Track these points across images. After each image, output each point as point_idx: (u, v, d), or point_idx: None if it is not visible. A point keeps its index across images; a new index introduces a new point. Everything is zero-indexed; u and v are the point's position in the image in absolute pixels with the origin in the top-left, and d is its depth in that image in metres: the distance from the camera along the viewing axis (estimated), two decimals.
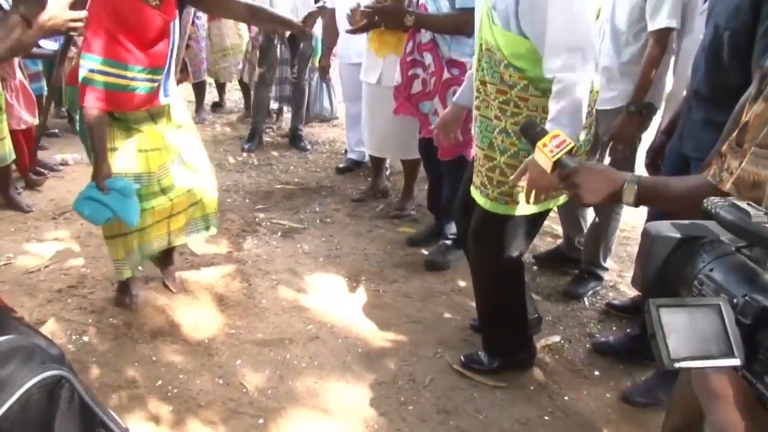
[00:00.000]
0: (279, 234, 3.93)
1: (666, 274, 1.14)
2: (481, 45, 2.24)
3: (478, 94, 2.33)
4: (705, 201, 1.07)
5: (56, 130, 5.62)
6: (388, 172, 4.83)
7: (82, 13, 1.96)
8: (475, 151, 2.44)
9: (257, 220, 4.12)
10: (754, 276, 0.94)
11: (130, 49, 2.54)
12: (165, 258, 3.26)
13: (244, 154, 5.44)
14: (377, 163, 4.56)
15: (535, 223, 2.46)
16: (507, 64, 2.16)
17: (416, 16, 3.25)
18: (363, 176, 4.99)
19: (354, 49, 4.39)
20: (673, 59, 3.10)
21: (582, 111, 2.04)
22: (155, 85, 2.70)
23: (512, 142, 2.23)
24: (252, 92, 5.92)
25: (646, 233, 1.19)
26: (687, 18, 2.93)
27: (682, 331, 0.84)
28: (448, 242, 3.63)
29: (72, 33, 1.98)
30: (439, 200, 3.70)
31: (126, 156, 2.75)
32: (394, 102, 3.59)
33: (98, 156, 2.67)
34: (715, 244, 1.05)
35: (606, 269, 3.39)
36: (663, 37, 2.88)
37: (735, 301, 0.90)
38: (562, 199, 2.40)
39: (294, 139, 5.75)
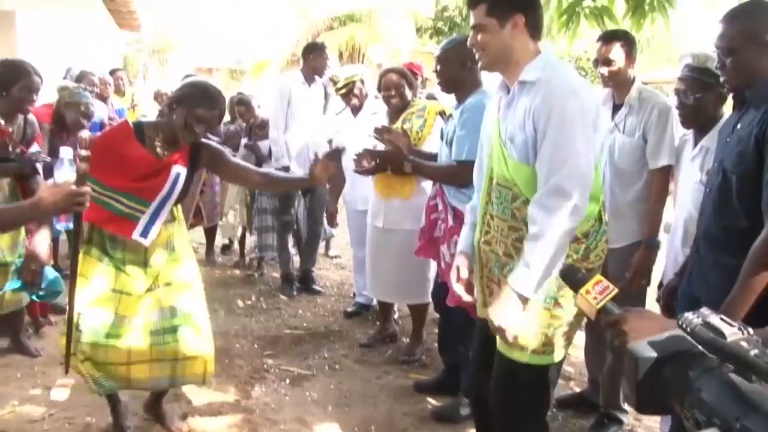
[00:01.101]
0: (287, 381, 3.88)
1: (655, 392, 1.15)
2: (491, 179, 2.28)
3: (487, 228, 2.32)
4: (679, 318, 1.10)
5: (68, 273, 5.67)
6: (396, 316, 4.83)
7: (85, 189, 2.06)
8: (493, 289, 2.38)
9: (265, 366, 4.08)
10: (743, 394, 0.95)
11: (112, 174, 2.72)
12: (153, 404, 3.22)
13: (253, 298, 5.47)
14: (385, 307, 4.58)
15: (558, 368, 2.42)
16: (525, 200, 2.15)
17: (414, 163, 3.41)
18: (372, 320, 4.98)
19: (360, 195, 4.55)
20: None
21: (555, 258, 2.06)
22: (134, 213, 2.78)
23: None
24: (256, 236, 6.02)
25: (629, 353, 1.22)
26: (678, 156, 3.14)
27: None
28: (463, 396, 3.47)
29: (78, 209, 2.02)
30: (452, 346, 3.66)
31: (98, 290, 2.83)
32: (407, 253, 3.67)
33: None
34: (699, 359, 1.05)
35: (626, 412, 3.34)
36: (665, 174, 3.15)
37: (728, 427, 0.90)
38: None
39: (305, 282, 5.79)
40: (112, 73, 7.67)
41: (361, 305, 5.16)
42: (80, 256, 2.83)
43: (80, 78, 6.34)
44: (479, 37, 2.18)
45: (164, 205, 2.86)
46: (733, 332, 0.99)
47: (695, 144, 3.00)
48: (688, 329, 1.06)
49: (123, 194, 2.75)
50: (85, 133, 3.78)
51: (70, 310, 2.79)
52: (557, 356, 2.29)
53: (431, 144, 3.85)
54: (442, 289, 3.37)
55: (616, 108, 3.40)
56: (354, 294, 5.38)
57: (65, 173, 2.53)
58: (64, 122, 4.61)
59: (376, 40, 18.97)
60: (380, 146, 3.68)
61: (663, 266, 3.07)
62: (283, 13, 19.66)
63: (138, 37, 20.33)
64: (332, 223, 5.38)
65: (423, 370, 4.07)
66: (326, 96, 5.59)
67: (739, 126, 2.21)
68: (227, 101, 6.65)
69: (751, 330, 1.00)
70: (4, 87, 3.65)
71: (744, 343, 0.96)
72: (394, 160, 3.50)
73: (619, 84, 3.32)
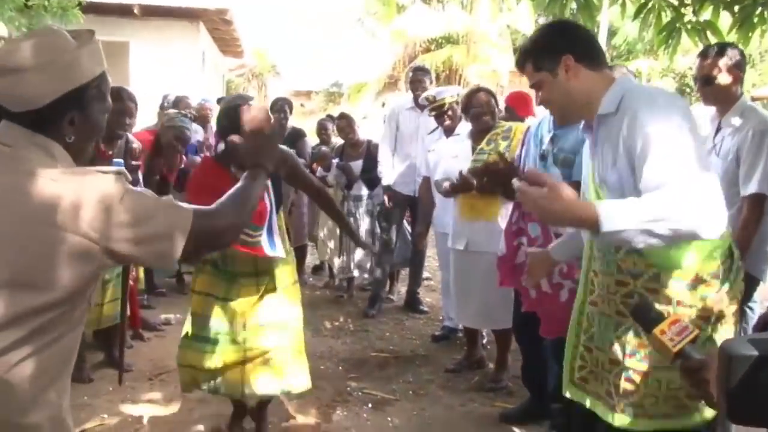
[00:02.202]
0: (370, 405, 3.80)
1: (754, 398, 1.04)
2: None
3: (592, 287, 2.08)
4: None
5: (163, 290, 5.86)
6: (484, 341, 4.69)
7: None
8: (594, 355, 2.10)
9: (348, 389, 4.02)
10: None
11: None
12: (257, 416, 3.31)
13: (341, 319, 5.46)
14: (471, 332, 4.43)
15: None
16: (628, 251, 1.90)
17: None
18: (459, 344, 4.84)
19: (449, 218, 4.43)
20: None
21: (678, 227, 1.61)
22: (252, 240, 2.88)
23: (641, 343, 1.92)
24: (345, 257, 6.02)
25: (723, 352, 1.07)
26: None
27: None
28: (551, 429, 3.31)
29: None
30: (541, 380, 3.44)
31: (215, 302, 3.01)
32: (497, 272, 3.49)
33: None
34: None
35: None
36: (757, 202, 2.83)
37: None
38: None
39: (412, 302, 5.79)
40: (220, 101, 7.93)
41: (449, 329, 5.03)
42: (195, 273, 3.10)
43: (176, 103, 6.59)
44: (540, 94, 2.03)
45: (273, 218, 3.00)
46: None
47: None
48: None
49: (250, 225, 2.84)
50: (135, 144, 3.90)
51: (122, 329, 2.90)
52: (697, 418, 1.94)
53: None
54: (527, 320, 3.22)
55: (718, 130, 3.16)
56: (442, 317, 5.26)
57: None
58: (161, 146, 4.76)
59: (473, 61, 18.86)
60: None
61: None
62: (379, 36, 19.90)
63: (241, 62, 21.09)
64: (420, 243, 5.28)
65: (509, 398, 3.89)
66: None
67: None
68: (317, 124, 6.78)
69: None
70: None
71: None
72: (506, 177, 3.05)
73: (721, 101, 3.08)
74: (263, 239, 2.95)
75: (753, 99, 16.04)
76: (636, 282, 1.91)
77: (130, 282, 4.32)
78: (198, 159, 5.72)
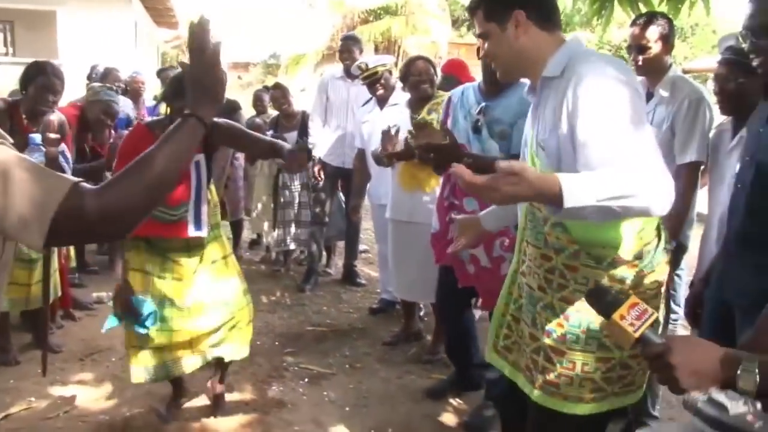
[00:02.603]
0: (306, 380, 3.80)
1: None
2: None
3: (523, 257, 2.02)
4: (685, 397, 0.98)
5: (95, 267, 5.70)
6: (422, 313, 4.73)
7: None
8: (520, 327, 2.07)
9: (285, 364, 4.00)
10: None
11: None
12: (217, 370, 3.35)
13: (278, 293, 5.42)
14: (409, 304, 4.46)
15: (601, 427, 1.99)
16: (554, 223, 1.83)
17: (475, 159, 2.88)
18: (396, 317, 4.87)
19: (385, 190, 4.41)
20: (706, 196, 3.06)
21: (629, 205, 1.56)
22: (174, 218, 2.88)
23: (559, 323, 1.87)
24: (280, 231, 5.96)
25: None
26: (715, 148, 2.96)
27: None
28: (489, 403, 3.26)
29: None
30: (466, 351, 3.49)
31: (153, 279, 2.97)
32: (431, 249, 3.46)
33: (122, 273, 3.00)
34: None
35: (656, 418, 3.17)
36: (694, 171, 2.93)
37: None
38: (639, 393, 1.96)
39: (349, 276, 5.79)
40: (160, 73, 7.74)
41: (386, 302, 5.05)
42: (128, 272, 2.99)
43: (105, 75, 6.37)
44: (486, 45, 1.93)
45: (200, 195, 2.95)
46: (736, 406, 0.90)
47: (734, 135, 2.82)
48: (694, 407, 0.96)
49: (160, 208, 2.80)
50: (53, 116, 3.78)
51: (45, 312, 2.83)
52: (615, 403, 1.90)
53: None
54: (452, 293, 3.23)
55: (648, 97, 3.22)
56: (380, 290, 5.28)
57: (36, 159, 2.53)
58: (89, 122, 4.60)
59: (412, 32, 18.81)
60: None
61: (693, 269, 2.89)
62: (317, 7, 19.63)
63: (176, 33, 20.53)
64: (355, 216, 5.27)
65: (445, 370, 3.93)
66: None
67: None
68: (252, 95, 6.66)
69: (759, 404, 0.89)
70: (24, 85, 3.76)
71: (749, 417, 0.87)
72: (451, 156, 2.86)
73: (653, 72, 3.13)
74: (189, 216, 2.91)
75: (684, 72, 16.44)
76: (557, 257, 1.85)
77: (61, 261, 4.21)
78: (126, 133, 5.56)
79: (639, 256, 1.83)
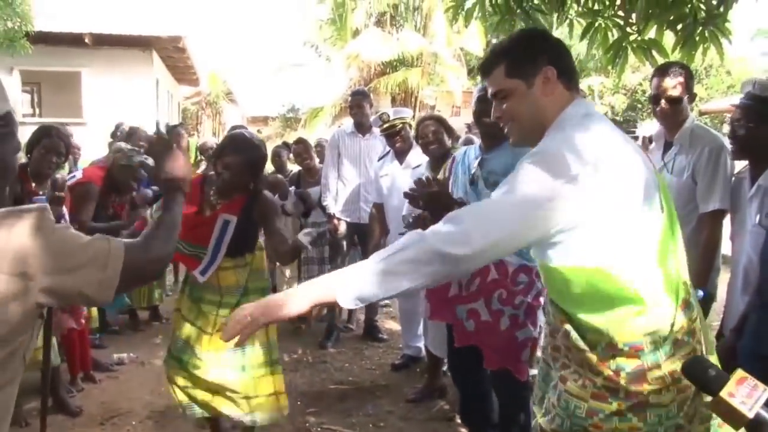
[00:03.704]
0: None
1: None
2: None
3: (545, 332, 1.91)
4: None
5: (117, 328, 5.70)
6: (445, 368, 4.65)
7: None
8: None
9: (308, 424, 3.94)
10: None
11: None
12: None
13: (299, 351, 5.36)
14: (434, 360, 4.40)
15: None
16: (550, 299, 1.74)
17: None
18: (419, 373, 4.80)
19: None
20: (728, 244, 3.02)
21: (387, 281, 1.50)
22: (197, 253, 3.10)
23: (553, 402, 1.74)
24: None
25: None
26: (735, 195, 2.94)
27: None
28: None
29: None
30: (483, 413, 3.35)
31: (185, 322, 3.18)
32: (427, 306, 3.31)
33: None
34: None
35: None
36: (717, 219, 2.92)
37: None
38: None
39: (370, 331, 5.73)
40: (170, 130, 7.74)
41: (409, 357, 4.99)
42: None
43: (131, 134, 6.44)
44: (505, 105, 1.74)
45: (219, 249, 3.09)
46: None
47: (752, 183, 2.79)
48: None
49: (180, 241, 2.87)
50: (59, 175, 3.84)
51: (45, 367, 2.80)
52: None
53: None
54: (460, 354, 3.11)
55: (667, 146, 3.22)
56: (402, 346, 5.21)
57: None
58: (116, 183, 4.62)
59: (428, 83, 19.04)
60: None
61: (720, 316, 2.82)
62: (334, 61, 19.94)
63: (196, 89, 20.95)
64: None
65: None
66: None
67: None
68: (271, 152, 6.71)
69: None
70: (30, 149, 3.84)
71: None
72: (441, 201, 2.86)
73: (674, 120, 3.13)
74: (203, 261, 3.10)
75: (701, 113, 16.51)
76: (555, 336, 1.73)
77: (82, 321, 4.21)
78: (149, 192, 5.60)
79: (639, 347, 1.60)
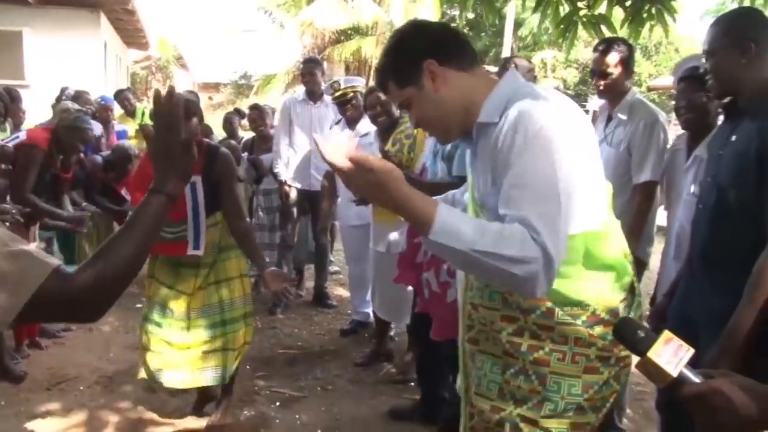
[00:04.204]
0: (278, 404, 3.79)
1: None
2: None
3: (470, 322, 1.80)
4: None
5: None
6: (392, 333, 4.74)
7: (4, 207, 1.87)
8: (469, 402, 1.83)
9: (256, 388, 3.99)
10: None
11: None
12: (199, 401, 3.61)
13: None
14: (382, 325, 4.49)
15: None
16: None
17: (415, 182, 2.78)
18: (367, 338, 4.88)
19: (354, 210, 4.42)
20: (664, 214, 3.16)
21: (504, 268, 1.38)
22: (172, 236, 3.06)
23: (533, 388, 1.66)
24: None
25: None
26: (670, 166, 3.06)
27: None
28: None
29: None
30: (433, 381, 3.47)
31: (161, 287, 3.23)
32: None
33: None
34: None
35: (623, 430, 3.22)
36: (649, 189, 3.04)
37: None
38: None
39: (320, 297, 5.78)
40: (118, 94, 7.52)
41: (357, 323, 5.06)
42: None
43: (76, 98, 6.29)
44: (413, 112, 1.69)
45: (198, 212, 3.11)
46: None
47: (688, 154, 2.91)
48: None
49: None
50: (7, 147, 3.72)
51: None
52: None
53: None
54: (423, 320, 3.17)
55: (608, 120, 3.32)
56: (350, 311, 5.28)
57: None
58: (61, 145, 4.51)
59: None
60: None
61: (654, 282, 2.96)
62: (288, 27, 19.67)
63: (145, 54, 20.44)
64: (324, 236, 5.29)
65: (417, 390, 3.95)
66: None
67: (734, 138, 2.10)
68: (223, 119, 6.65)
69: None
70: None
71: None
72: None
73: (613, 95, 3.24)
74: (189, 236, 3.10)
75: (649, 89, 16.81)
76: (527, 318, 1.65)
77: None
78: (98, 158, 5.51)
79: (615, 314, 1.66)
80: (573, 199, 1.47)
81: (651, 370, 1.17)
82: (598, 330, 1.64)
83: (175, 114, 1.29)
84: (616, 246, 1.70)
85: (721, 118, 2.62)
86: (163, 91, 1.31)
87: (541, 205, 1.42)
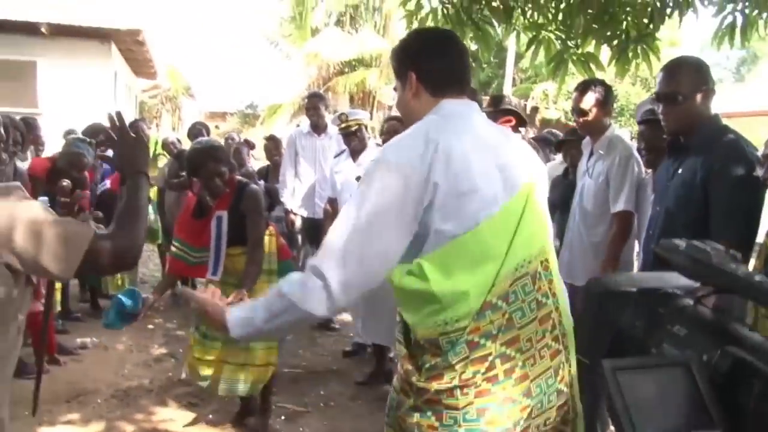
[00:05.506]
0: (283, 417, 4.02)
1: (618, 337, 0.99)
2: None
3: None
4: (659, 244, 0.98)
5: (79, 314, 5.86)
6: (392, 355, 4.96)
7: None
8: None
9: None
10: (723, 327, 0.81)
11: (181, 230, 3.54)
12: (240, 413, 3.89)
13: None
14: (379, 347, 4.70)
15: None
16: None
17: None
18: (369, 359, 5.10)
19: None
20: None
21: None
22: (195, 260, 3.50)
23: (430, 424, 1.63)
24: None
25: (587, 291, 1.11)
26: (643, 194, 3.35)
27: (647, 400, 0.69)
28: None
29: None
30: None
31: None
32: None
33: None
34: (672, 298, 0.92)
35: None
36: (625, 218, 3.30)
37: (705, 357, 0.75)
38: None
39: (324, 320, 5.92)
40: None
41: (359, 345, 5.28)
42: None
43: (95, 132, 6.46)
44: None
45: (220, 244, 3.44)
46: (717, 253, 0.87)
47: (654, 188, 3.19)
48: (669, 252, 0.93)
49: (187, 246, 3.48)
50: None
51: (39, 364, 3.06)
52: None
53: None
54: None
55: (592, 154, 3.59)
56: (353, 334, 5.51)
57: None
58: (57, 171, 4.66)
59: (386, 83, 19.35)
60: None
61: None
62: (294, 58, 20.11)
63: (154, 83, 20.85)
64: None
65: None
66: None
67: (680, 171, 2.39)
68: (233, 149, 6.95)
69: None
70: None
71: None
72: None
73: (592, 132, 3.51)
74: (210, 262, 3.43)
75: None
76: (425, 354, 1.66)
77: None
78: (108, 183, 5.77)
79: (437, 345, 1.60)
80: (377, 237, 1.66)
81: None
82: (423, 357, 1.66)
83: (123, 128, 1.78)
84: (441, 278, 1.61)
85: None
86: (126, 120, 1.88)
87: (330, 250, 1.72)
